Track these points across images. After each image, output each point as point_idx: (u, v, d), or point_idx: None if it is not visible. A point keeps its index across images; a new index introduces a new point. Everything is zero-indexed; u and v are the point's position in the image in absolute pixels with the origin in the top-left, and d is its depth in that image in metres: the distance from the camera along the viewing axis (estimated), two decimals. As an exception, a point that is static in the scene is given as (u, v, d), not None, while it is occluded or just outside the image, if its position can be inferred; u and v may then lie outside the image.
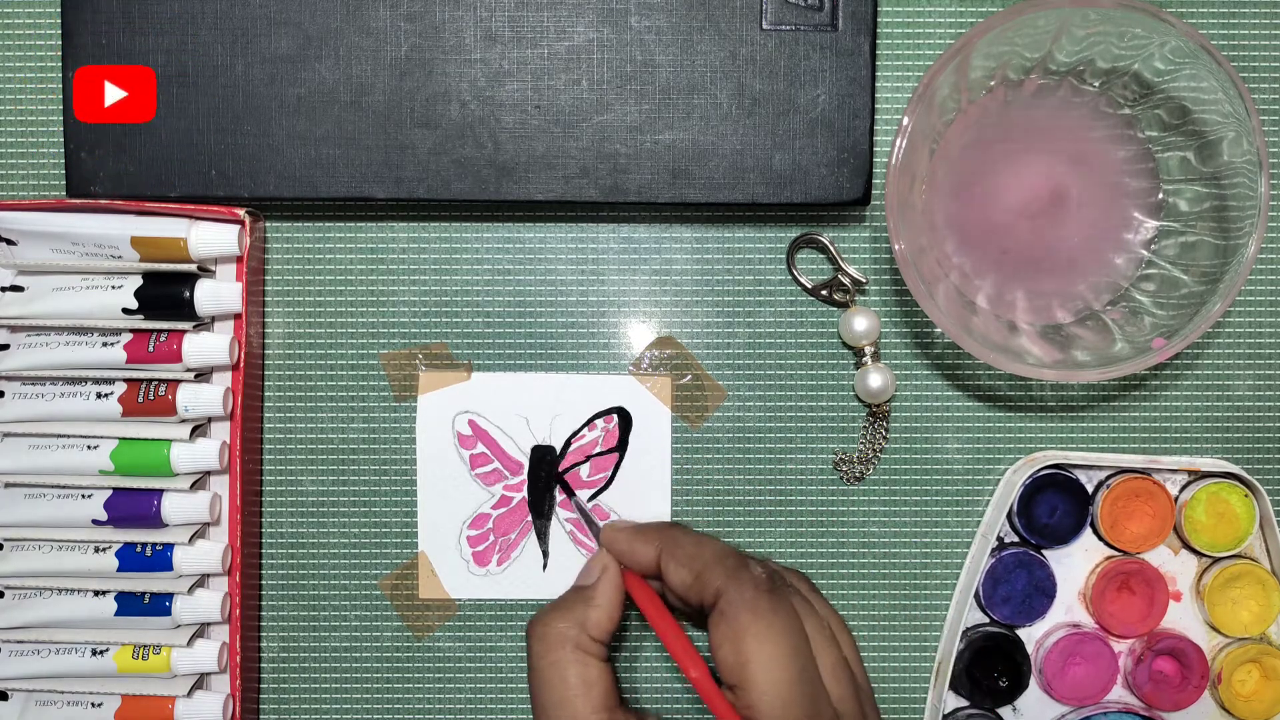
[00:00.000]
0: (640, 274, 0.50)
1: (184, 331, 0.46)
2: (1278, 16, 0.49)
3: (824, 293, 0.49)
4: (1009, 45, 0.43)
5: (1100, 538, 0.49)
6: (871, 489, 0.50)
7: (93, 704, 0.47)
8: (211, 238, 0.46)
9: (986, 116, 0.47)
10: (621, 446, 0.50)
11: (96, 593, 0.47)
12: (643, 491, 0.50)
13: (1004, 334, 0.46)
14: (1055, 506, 0.48)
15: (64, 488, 0.47)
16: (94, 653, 0.47)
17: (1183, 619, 0.50)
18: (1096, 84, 0.46)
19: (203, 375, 0.47)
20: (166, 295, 0.46)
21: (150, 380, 0.46)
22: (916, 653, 0.51)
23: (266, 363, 0.50)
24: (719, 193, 0.46)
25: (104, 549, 0.47)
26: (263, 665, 0.50)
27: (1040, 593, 0.49)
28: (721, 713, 0.37)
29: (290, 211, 0.49)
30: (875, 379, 0.49)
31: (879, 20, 0.47)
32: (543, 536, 0.50)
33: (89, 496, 0.46)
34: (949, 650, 0.49)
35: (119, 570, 0.46)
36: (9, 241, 0.46)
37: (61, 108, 0.46)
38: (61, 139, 0.48)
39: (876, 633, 0.51)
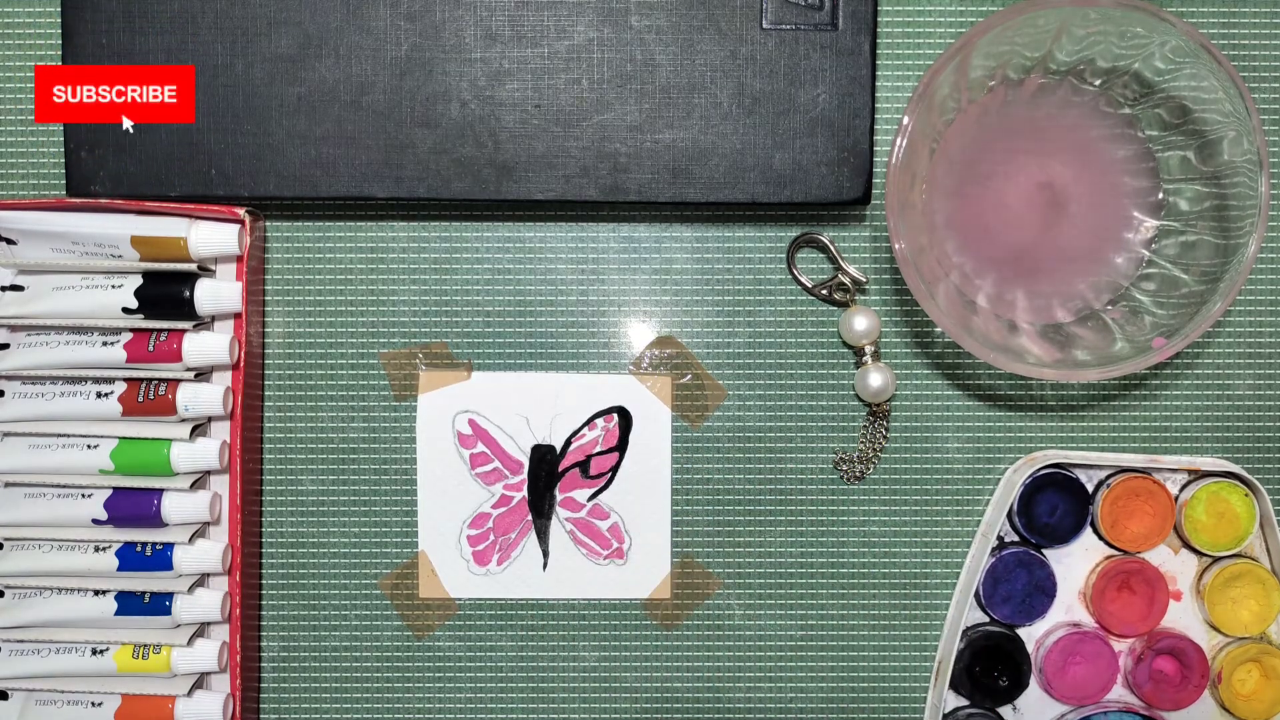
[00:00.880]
0: (640, 274, 0.50)
1: (184, 331, 0.46)
2: (1278, 16, 0.49)
3: (824, 292, 0.49)
4: (1009, 45, 0.43)
5: (1100, 537, 0.49)
6: (871, 489, 0.50)
7: (93, 704, 0.47)
8: (211, 237, 0.46)
9: (987, 116, 0.47)
10: (622, 446, 0.50)
11: (96, 592, 0.47)
12: (643, 491, 0.50)
13: (1004, 334, 0.46)
14: (1055, 506, 0.48)
15: (64, 487, 0.47)
16: (94, 652, 0.47)
17: (1183, 618, 0.50)
18: (1097, 83, 0.46)
19: (203, 375, 0.47)
20: (166, 294, 0.46)
21: (150, 380, 0.46)
22: (916, 652, 0.51)
23: (266, 362, 0.50)
24: (719, 192, 0.46)
25: (104, 548, 0.47)
26: (263, 665, 0.50)
27: (1040, 592, 0.49)
28: None
29: (290, 211, 0.49)
30: (875, 379, 0.49)
31: (879, 20, 0.47)
32: (543, 536, 0.50)
33: (89, 496, 0.46)
34: (949, 650, 0.49)
35: (119, 570, 0.46)
36: (9, 241, 0.46)
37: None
38: (62, 139, 0.48)
39: (876, 632, 0.51)
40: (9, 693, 0.48)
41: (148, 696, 0.47)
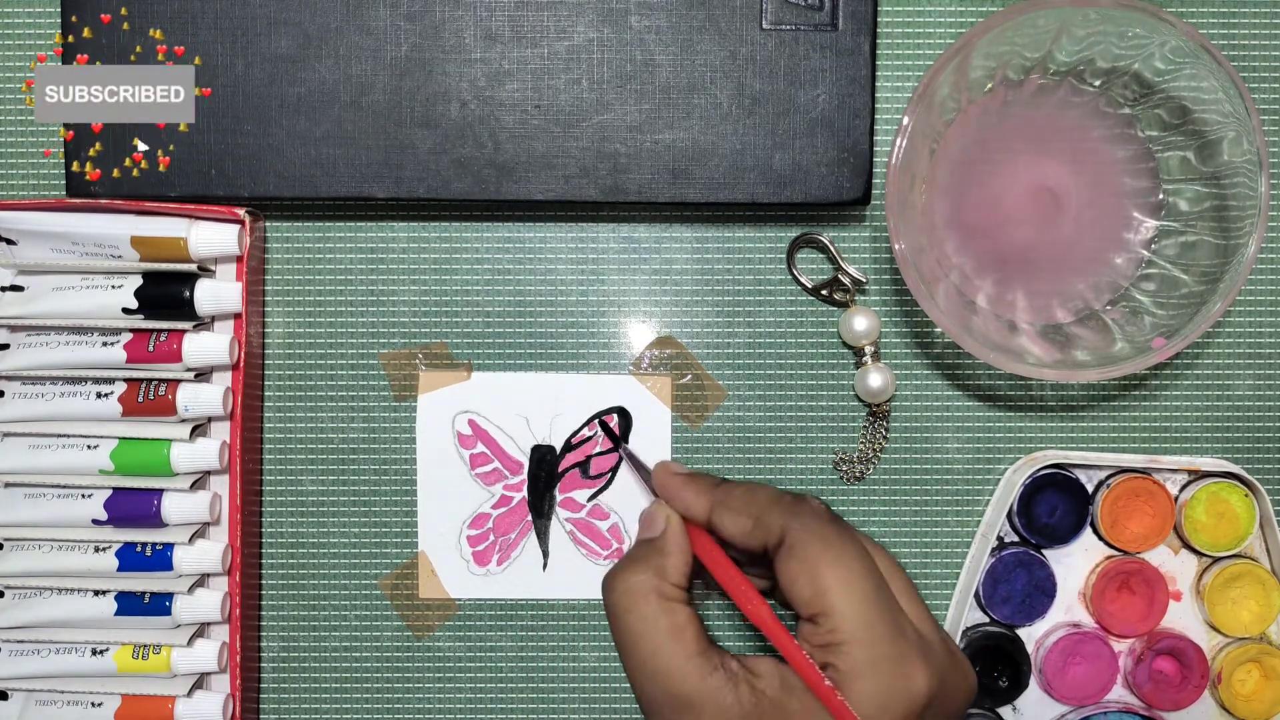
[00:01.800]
0: (640, 274, 0.50)
1: (184, 331, 0.46)
2: (1278, 16, 0.49)
3: (824, 292, 0.49)
4: (1009, 45, 0.43)
5: (1100, 537, 0.49)
6: (871, 489, 0.50)
7: (93, 704, 0.47)
8: (211, 237, 0.46)
9: (987, 116, 0.47)
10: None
11: (96, 592, 0.47)
12: (643, 491, 0.50)
13: (1004, 334, 0.46)
14: (1055, 506, 0.48)
15: (64, 487, 0.47)
16: (94, 652, 0.47)
17: (1183, 619, 0.50)
18: (1096, 84, 0.46)
19: (203, 375, 0.47)
20: (166, 295, 0.46)
21: (150, 380, 0.46)
22: (916, 652, 0.51)
23: (266, 363, 0.50)
24: (719, 192, 0.46)
25: (104, 549, 0.47)
26: (263, 665, 0.50)
27: (1040, 592, 0.49)
28: (788, 647, 0.37)
29: (290, 211, 0.49)
30: (875, 379, 0.49)
31: (879, 20, 0.47)
32: (543, 536, 0.50)
33: (89, 496, 0.46)
34: (949, 650, 0.49)
35: (119, 570, 0.46)
36: (9, 241, 0.46)
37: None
38: (61, 139, 0.48)
39: (876, 632, 0.50)
40: (9, 693, 0.48)
41: (148, 697, 0.47)
